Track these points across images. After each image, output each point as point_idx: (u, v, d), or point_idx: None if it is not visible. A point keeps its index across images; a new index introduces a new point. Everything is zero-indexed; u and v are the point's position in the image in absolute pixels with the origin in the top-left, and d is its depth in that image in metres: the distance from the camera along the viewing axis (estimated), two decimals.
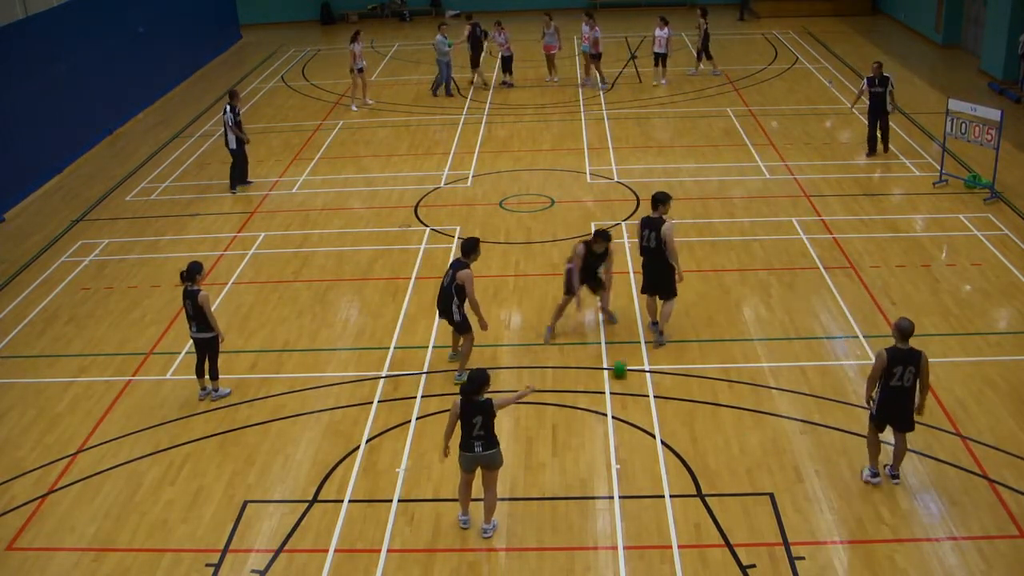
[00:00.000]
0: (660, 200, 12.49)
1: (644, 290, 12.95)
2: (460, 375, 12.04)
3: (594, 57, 24.64)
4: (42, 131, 20.57)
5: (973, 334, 12.81)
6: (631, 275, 14.66)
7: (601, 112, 23.05)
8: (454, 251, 15.78)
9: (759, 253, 15.36)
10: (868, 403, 9.95)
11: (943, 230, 15.96)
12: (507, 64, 25.51)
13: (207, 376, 12.07)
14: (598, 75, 25.02)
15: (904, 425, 9.77)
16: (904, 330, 9.49)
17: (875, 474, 9.98)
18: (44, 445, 11.43)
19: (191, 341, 12.18)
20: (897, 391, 9.56)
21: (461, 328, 12.08)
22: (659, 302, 12.89)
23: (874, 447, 9.96)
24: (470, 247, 12.02)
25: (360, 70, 23.98)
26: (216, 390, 12.14)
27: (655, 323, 12.97)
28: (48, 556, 9.63)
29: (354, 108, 24.38)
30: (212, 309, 11.90)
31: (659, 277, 12.62)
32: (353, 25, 35.58)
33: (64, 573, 9.41)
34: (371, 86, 25.86)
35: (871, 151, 19.29)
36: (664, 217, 12.42)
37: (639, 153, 20.18)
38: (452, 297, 11.86)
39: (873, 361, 9.82)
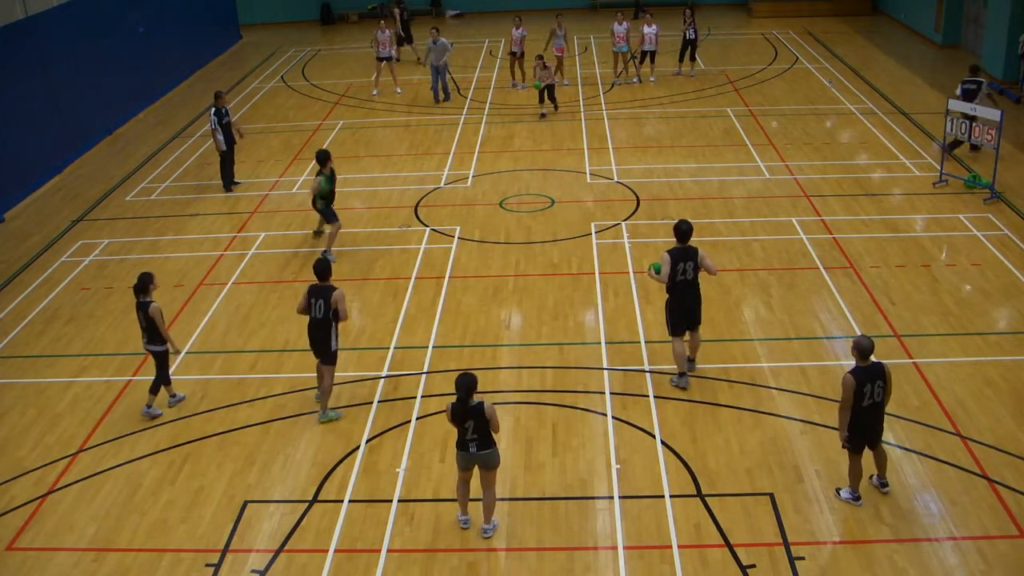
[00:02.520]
0: (690, 230, 11.48)
1: (680, 329, 11.66)
2: (325, 414, 11.55)
3: (517, 56, 24.88)
4: (42, 131, 20.57)
5: (973, 334, 12.80)
6: (631, 275, 14.66)
7: (601, 112, 23.05)
8: (454, 253, 15.80)
9: (759, 253, 15.36)
10: (842, 433, 9.47)
11: (943, 230, 15.96)
12: (550, 92, 22.71)
13: (161, 389, 11.89)
14: (521, 75, 25.35)
15: (879, 439, 9.62)
16: (865, 349, 9.26)
17: (858, 497, 9.74)
18: (44, 445, 11.44)
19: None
20: (870, 409, 9.37)
21: (332, 360, 11.48)
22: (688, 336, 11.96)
23: (857, 472, 9.67)
24: (326, 270, 11.36)
25: (379, 59, 25.24)
26: (173, 395, 11.97)
27: (683, 374, 11.74)
28: (48, 556, 9.63)
29: (398, 92, 25.57)
30: (166, 322, 11.58)
31: (698, 305, 11.63)
32: (354, 25, 35.67)
33: (64, 573, 9.41)
34: (371, 85, 25.87)
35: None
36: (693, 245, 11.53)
37: (639, 153, 20.18)
38: (331, 325, 11.23)
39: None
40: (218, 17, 32.45)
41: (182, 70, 28.57)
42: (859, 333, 12.84)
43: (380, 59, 25.26)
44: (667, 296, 11.66)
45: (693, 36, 25.25)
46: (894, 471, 10.14)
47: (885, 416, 9.63)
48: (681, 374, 11.79)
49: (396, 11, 28.15)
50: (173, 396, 12.04)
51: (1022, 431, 10.82)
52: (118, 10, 24.79)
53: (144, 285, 11.55)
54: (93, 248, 16.88)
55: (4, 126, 19.25)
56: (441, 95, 24.60)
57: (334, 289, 11.18)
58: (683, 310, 11.61)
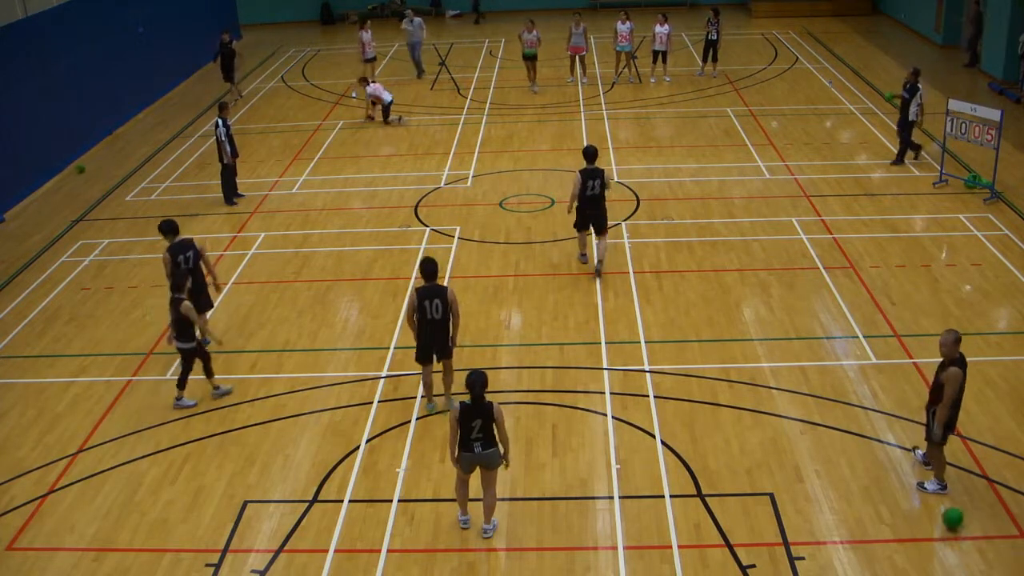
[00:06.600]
0: (596, 153, 14.41)
1: (584, 227, 14.67)
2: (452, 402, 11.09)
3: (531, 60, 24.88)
4: (42, 131, 20.57)
5: (973, 334, 12.79)
6: (631, 275, 14.67)
7: (601, 112, 23.05)
8: (454, 254, 15.79)
9: (759, 253, 15.36)
10: (939, 429, 9.61)
11: (943, 230, 15.96)
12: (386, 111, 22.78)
13: (207, 377, 12.04)
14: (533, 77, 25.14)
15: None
16: (959, 339, 9.49)
17: (945, 486, 9.85)
18: (44, 445, 11.44)
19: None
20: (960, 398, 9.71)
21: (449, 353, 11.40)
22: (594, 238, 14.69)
23: (944, 462, 9.90)
24: (435, 269, 11.15)
25: (365, 60, 25.42)
26: (179, 399, 12.00)
27: (583, 255, 15.01)
28: (48, 556, 9.64)
29: (354, 96, 25.31)
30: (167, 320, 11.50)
31: (604, 215, 14.50)
32: (354, 25, 35.59)
33: (64, 573, 9.41)
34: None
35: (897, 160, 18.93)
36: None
37: (639, 153, 20.18)
38: (448, 323, 11.10)
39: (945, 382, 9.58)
40: (218, 17, 32.41)
41: (182, 70, 28.57)
42: (859, 333, 12.86)
43: (366, 61, 25.36)
44: (577, 204, 14.40)
45: (715, 37, 25.17)
46: (893, 470, 10.17)
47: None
48: (583, 255, 15.11)
49: (225, 37, 25.42)
50: (179, 399, 12.01)
51: (1022, 431, 10.82)
52: (118, 10, 24.79)
53: (182, 282, 11.71)
54: (93, 248, 16.88)
55: (4, 126, 19.25)
56: (415, 70, 26.72)
57: (445, 288, 10.98)
58: (588, 216, 14.50)
